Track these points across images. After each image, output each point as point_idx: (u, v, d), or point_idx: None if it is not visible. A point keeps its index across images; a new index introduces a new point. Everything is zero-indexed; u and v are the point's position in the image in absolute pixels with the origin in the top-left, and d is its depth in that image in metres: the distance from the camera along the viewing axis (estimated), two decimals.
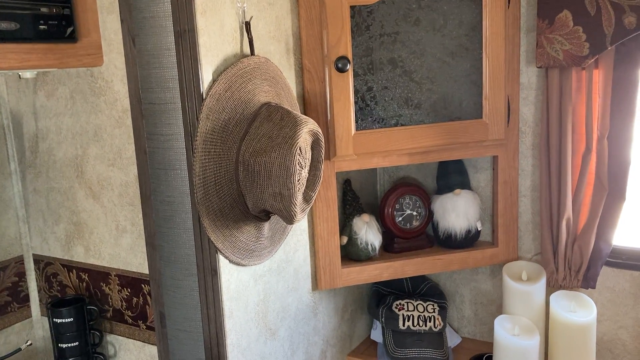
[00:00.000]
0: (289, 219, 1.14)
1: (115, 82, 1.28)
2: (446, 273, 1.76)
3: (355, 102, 1.39)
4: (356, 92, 1.39)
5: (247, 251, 1.21)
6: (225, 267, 1.18)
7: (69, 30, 1.19)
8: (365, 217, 1.55)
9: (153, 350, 1.37)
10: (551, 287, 1.52)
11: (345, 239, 1.53)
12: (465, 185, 1.61)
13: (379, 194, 1.81)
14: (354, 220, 1.55)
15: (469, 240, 1.58)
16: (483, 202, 1.63)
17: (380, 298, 1.68)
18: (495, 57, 1.42)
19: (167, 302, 1.22)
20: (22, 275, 1.55)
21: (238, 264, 1.21)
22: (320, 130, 1.18)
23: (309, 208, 1.20)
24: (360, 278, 1.52)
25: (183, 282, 1.19)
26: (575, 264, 1.49)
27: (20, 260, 1.54)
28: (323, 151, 1.20)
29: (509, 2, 1.44)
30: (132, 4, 1.11)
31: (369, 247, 1.53)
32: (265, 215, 1.21)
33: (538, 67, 1.44)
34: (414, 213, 1.64)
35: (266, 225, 1.25)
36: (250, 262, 1.23)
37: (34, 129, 1.46)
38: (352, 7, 1.34)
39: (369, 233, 1.53)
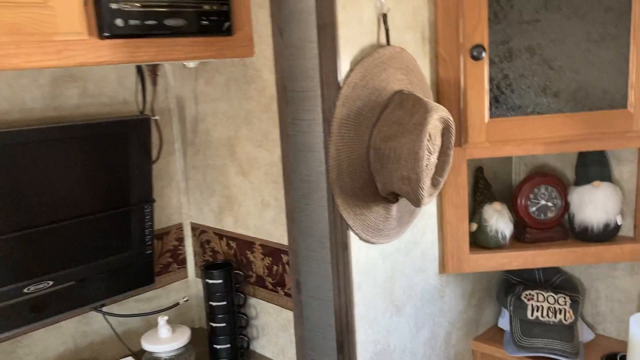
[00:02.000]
0: (416, 202, 1.20)
1: (264, 72, 1.42)
2: (582, 266, 1.71)
3: (490, 90, 1.40)
4: (491, 79, 1.40)
5: (375, 230, 1.29)
6: (355, 243, 1.27)
7: (226, 24, 1.34)
8: (497, 206, 1.56)
9: (289, 314, 1.51)
10: None
11: (474, 226, 1.55)
12: (606, 177, 1.54)
13: (514, 182, 1.79)
14: (485, 208, 1.56)
15: (607, 234, 1.52)
16: (625, 195, 1.56)
17: (510, 287, 1.68)
18: None
19: (303, 272, 1.34)
20: (181, 240, 1.77)
21: (367, 241, 1.29)
22: (451, 118, 1.22)
23: (436, 193, 1.25)
24: (488, 265, 1.54)
25: (317, 254, 1.30)
26: None
27: (180, 227, 1.77)
28: (453, 138, 1.24)
29: None
30: (282, 2, 1.23)
31: (499, 235, 1.54)
32: (393, 198, 1.28)
33: None
34: (549, 204, 1.61)
35: (394, 207, 1.32)
36: (379, 240, 1.31)
37: (194, 112, 1.66)
38: None
39: (499, 221, 1.54)
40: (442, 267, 1.53)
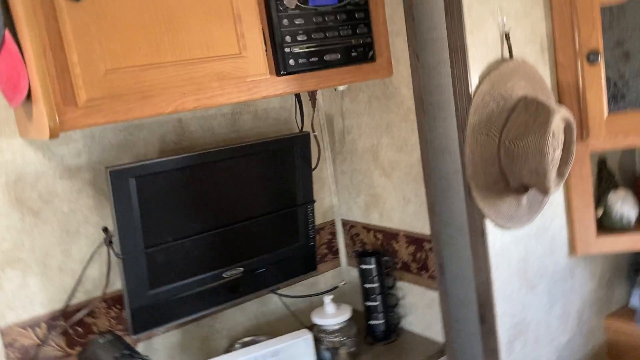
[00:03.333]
0: (544, 191, 1.40)
1: (402, 88, 1.68)
2: None
3: (608, 89, 1.56)
4: (608, 79, 1.56)
5: (508, 217, 1.51)
6: (490, 230, 1.49)
7: (370, 53, 1.61)
8: (621, 192, 1.70)
9: (433, 294, 1.75)
10: None
11: (600, 211, 1.70)
12: None
13: (638, 171, 1.90)
14: (610, 195, 1.71)
15: None
16: None
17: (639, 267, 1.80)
18: None
19: (445, 256, 1.58)
20: (334, 234, 2.08)
21: (501, 227, 1.51)
22: (571, 117, 1.40)
23: (562, 182, 1.44)
24: (616, 247, 1.68)
25: (457, 240, 1.54)
26: None
27: (332, 223, 2.07)
28: (574, 134, 1.42)
29: None
30: (416, 30, 1.49)
31: (624, 219, 1.68)
32: (523, 189, 1.48)
33: None
34: None
35: (524, 197, 1.52)
36: (512, 226, 1.52)
37: (341, 126, 1.95)
38: (603, 8, 1.51)
39: (624, 206, 1.68)
40: (571, 250, 1.70)
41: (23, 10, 1.11)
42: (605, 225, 1.71)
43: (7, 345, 1.49)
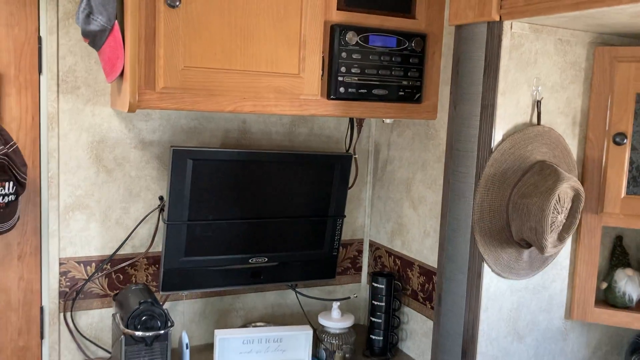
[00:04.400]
0: (540, 250, 1.52)
1: (441, 132, 1.85)
2: None
3: (629, 171, 1.66)
4: (631, 162, 1.65)
5: (507, 267, 1.63)
6: (487, 274, 1.62)
7: (417, 95, 1.80)
8: (629, 271, 1.77)
9: (432, 324, 1.89)
10: None
11: (604, 285, 1.78)
12: None
13: None
14: (617, 271, 1.78)
15: None
16: None
17: (636, 348, 1.85)
18: None
19: (444, 289, 1.73)
20: (360, 252, 2.26)
21: (498, 275, 1.63)
22: (581, 187, 1.52)
23: (561, 246, 1.55)
24: (612, 321, 1.75)
25: (457, 277, 1.68)
26: None
27: (360, 242, 2.25)
28: (582, 204, 1.54)
29: None
30: (458, 83, 1.66)
31: (626, 297, 1.74)
32: (525, 244, 1.60)
33: None
34: None
35: (526, 252, 1.64)
36: (508, 276, 1.64)
37: (385, 156, 2.14)
38: (638, 94, 1.62)
39: (628, 285, 1.75)
40: (568, 314, 1.79)
41: (131, 7, 1.40)
42: (608, 299, 1.78)
43: (62, 274, 1.79)
